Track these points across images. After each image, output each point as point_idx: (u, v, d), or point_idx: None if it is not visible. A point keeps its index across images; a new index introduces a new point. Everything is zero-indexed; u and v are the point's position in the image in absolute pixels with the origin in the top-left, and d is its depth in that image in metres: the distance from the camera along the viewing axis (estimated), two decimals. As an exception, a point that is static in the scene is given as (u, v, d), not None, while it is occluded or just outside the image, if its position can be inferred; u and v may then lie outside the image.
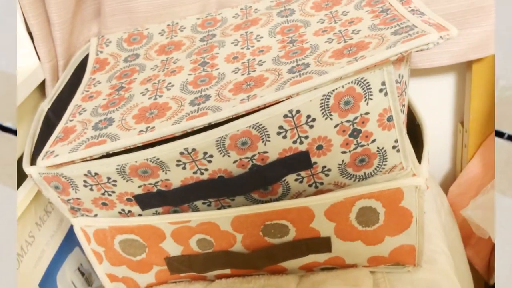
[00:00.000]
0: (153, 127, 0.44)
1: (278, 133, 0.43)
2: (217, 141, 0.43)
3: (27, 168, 0.48)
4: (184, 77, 0.51)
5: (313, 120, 0.43)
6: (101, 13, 0.65)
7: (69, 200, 0.50)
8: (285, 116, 0.42)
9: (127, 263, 0.54)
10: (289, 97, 0.41)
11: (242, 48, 0.53)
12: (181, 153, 0.44)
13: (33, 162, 0.49)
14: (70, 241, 0.61)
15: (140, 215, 0.50)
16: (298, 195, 0.48)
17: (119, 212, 0.50)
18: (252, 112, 0.42)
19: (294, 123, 0.43)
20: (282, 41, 0.52)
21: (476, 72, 0.68)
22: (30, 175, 0.48)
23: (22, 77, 0.56)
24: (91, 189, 0.48)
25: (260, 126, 0.42)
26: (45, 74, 0.60)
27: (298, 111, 0.42)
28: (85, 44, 0.65)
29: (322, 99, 0.41)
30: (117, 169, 0.45)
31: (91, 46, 0.62)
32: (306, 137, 0.44)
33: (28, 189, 0.54)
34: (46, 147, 0.48)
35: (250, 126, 0.42)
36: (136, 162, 0.44)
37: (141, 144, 0.44)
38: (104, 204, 0.49)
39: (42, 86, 0.61)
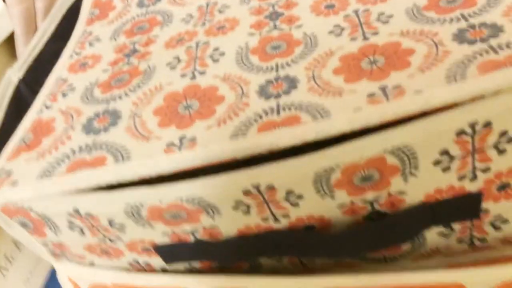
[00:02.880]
0: (194, 139, 0.24)
1: (436, 163, 0.22)
2: (317, 173, 0.22)
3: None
4: (242, 38, 0.30)
5: (510, 140, 0.22)
6: None
7: (46, 243, 0.30)
8: (460, 133, 0.21)
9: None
10: (478, 97, 0.20)
11: None
12: (246, 192, 0.23)
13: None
14: (53, 286, 0.42)
15: (164, 269, 0.31)
16: (432, 253, 0.28)
17: (130, 264, 0.31)
18: (390, 124, 0.21)
19: (473, 145, 0.22)
20: None
21: None
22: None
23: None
24: (82, 233, 0.28)
25: (405, 149, 0.22)
26: (13, 24, 0.40)
27: (487, 124, 0.21)
28: (79, -23, 0.43)
29: (540, 103, 0.20)
30: (126, 210, 0.25)
31: (87, -19, 0.41)
32: (487, 170, 0.23)
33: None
34: (2, 159, 0.27)
35: (385, 150, 0.22)
36: (160, 201, 0.24)
37: (169, 173, 0.23)
38: (105, 251, 0.30)
39: (10, 42, 0.40)
